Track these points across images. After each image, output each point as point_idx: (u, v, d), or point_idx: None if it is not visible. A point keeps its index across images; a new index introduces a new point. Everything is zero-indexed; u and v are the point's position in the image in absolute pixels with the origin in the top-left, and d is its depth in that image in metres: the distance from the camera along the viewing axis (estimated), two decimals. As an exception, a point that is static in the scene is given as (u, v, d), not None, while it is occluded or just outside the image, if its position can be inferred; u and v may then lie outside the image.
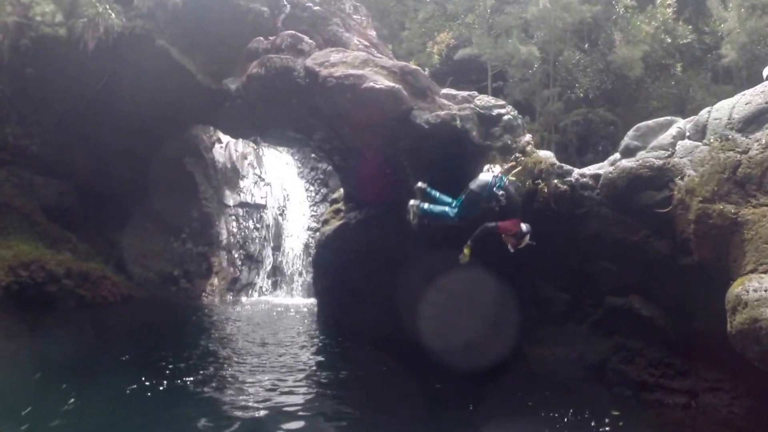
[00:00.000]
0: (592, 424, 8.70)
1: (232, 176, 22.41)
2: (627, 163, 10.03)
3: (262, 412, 8.67)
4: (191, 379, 10.10)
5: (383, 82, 11.56)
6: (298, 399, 9.43)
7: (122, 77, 16.08)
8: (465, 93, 12.43)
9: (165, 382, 9.72)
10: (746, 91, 9.32)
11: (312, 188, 23.98)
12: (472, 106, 11.93)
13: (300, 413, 8.73)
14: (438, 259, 11.59)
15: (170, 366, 10.71)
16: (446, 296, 12.16)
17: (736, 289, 7.63)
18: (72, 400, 8.70)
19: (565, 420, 8.76)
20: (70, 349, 11.28)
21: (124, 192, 18.49)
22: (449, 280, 11.86)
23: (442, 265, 11.47)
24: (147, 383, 9.52)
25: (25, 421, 7.78)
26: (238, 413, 8.57)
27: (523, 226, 9.17)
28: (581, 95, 22.40)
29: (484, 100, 12.23)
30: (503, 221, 9.13)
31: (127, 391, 9.22)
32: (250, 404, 8.99)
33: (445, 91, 12.47)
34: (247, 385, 10.04)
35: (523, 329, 11.36)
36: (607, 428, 8.63)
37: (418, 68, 12.71)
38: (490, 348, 11.09)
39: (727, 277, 8.13)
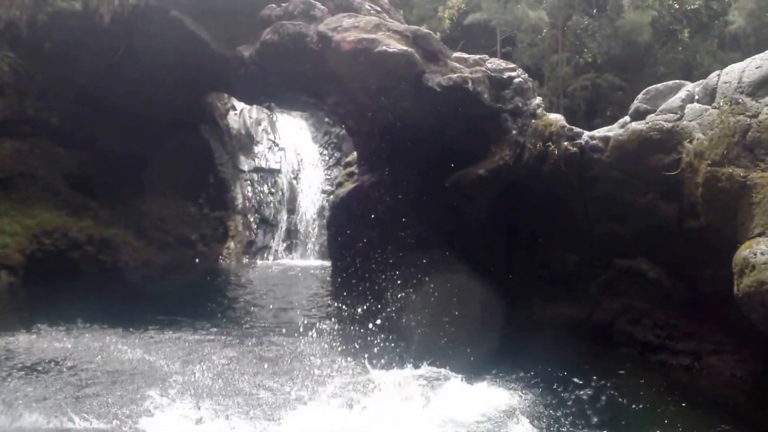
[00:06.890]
0: (599, 382, 8.82)
1: (246, 142, 22.65)
2: (637, 125, 10.02)
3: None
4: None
5: (396, 45, 11.66)
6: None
7: (138, 48, 16.36)
8: (476, 56, 12.46)
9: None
10: (756, 56, 9.20)
11: (326, 152, 24.08)
12: (483, 69, 11.99)
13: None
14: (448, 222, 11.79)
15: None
16: (455, 256, 12.34)
17: (744, 251, 7.66)
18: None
19: (573, 379, 8.95)
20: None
21: (143, 159, 18.87)
22: (459, 240, 12.06)
23: (453, 227, 11.67)
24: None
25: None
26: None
27: None
28: (590, 60, 22.40)
29: (495, 63, 12.29)
30: None
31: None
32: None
33: (456, 54, 12.52)
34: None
35: (531, 289, 11.56)
36: (613, 388, 8.74)
37: (430, 32, 12.74)
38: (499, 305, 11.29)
39: (734, 240, 8.15)
